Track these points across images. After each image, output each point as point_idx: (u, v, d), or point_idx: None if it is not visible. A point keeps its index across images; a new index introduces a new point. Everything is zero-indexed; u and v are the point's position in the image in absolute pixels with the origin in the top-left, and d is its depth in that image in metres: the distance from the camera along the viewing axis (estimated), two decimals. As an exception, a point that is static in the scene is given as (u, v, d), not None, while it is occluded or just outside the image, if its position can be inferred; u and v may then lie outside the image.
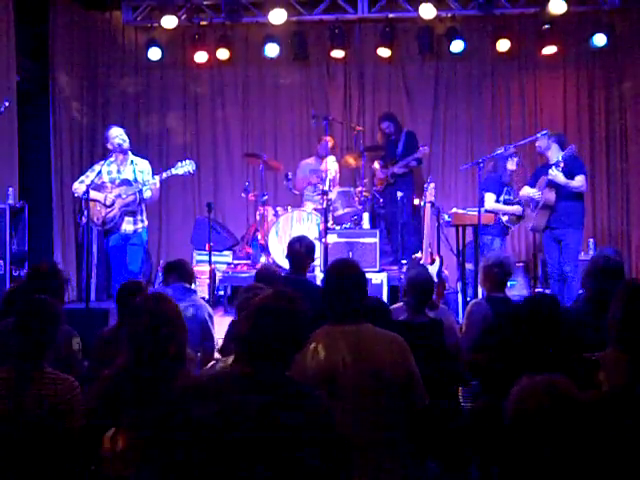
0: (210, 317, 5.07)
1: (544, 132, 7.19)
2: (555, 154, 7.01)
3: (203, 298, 7.82)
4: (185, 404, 2.37)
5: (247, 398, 2.29)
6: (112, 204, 6.82)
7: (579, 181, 6.95)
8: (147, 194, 6.89)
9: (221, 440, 2.25)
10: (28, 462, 2.88)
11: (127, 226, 6.91)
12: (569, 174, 6.91)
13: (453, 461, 3.89)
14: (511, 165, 7.44)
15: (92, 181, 6.77)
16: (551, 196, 6.95)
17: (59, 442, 2.89)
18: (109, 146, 7.00)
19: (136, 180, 6.90)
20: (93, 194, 6.77)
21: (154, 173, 7.00)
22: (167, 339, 2.86)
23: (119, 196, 6.82)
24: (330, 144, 8.91)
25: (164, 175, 6.91)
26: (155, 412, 2.56)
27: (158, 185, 6.95)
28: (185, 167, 6.92)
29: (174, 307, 2.99)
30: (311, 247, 5.45)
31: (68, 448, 2.87)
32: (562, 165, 6.86)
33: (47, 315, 3.15)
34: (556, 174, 6.85)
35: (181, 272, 5.20)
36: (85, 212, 6.76)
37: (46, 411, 2.91)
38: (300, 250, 5.36)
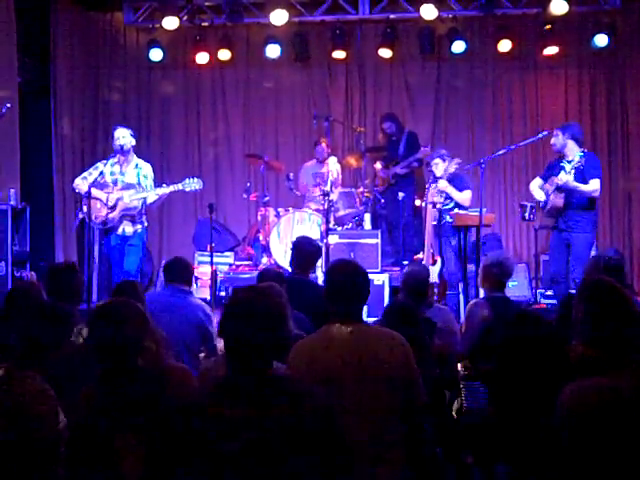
0: (207, 315, 4.87)
1: (545, 133, 7.07)
2: (572, 152, 6.62)
3: (204, 299, 7.83)
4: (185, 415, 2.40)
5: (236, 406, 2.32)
6: (114, 206, 6.80)
7: (592, 185, 6.46)
8: (152, 199, 6.89)
9: (217, 450, 2.29)
10: (7, 462, 2.86)
11: (127, 227, 6.89)
12: (581, 177, 6.49)
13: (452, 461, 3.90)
14: (436, 170, 7.24)
15: (95, 179, 6.77)
16: (559, 201, 6.51)
17: (41, 445, 2.86)
18: (113, 146, 7.01)
19: (139, 184, 6.89)
20: (95, 192, 6.77)
21: (156, 180, 7.01)
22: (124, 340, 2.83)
23: (121, 199, 6.80)
24: (323, 145, 8.86)
25: (172, 188, 6.89)
26: (156, 417, 2.58)
27: (166, 194, 6.94)
28: (193, 185, 6.91)
29: (128, 305, 2.96)
30: (320, 248, 5.48)
31: (50, 452, 2.84)
32: (580, 166, 6.45)
33: (53, 318, 3.14)
34: (566, 180, 6.36)
35: (173, 273, 5.00)
36: (84, 209, 6.76)
37: (31, 411, 2.88)
38: (310, 251, 5.36)
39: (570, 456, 1.85)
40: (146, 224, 7.07)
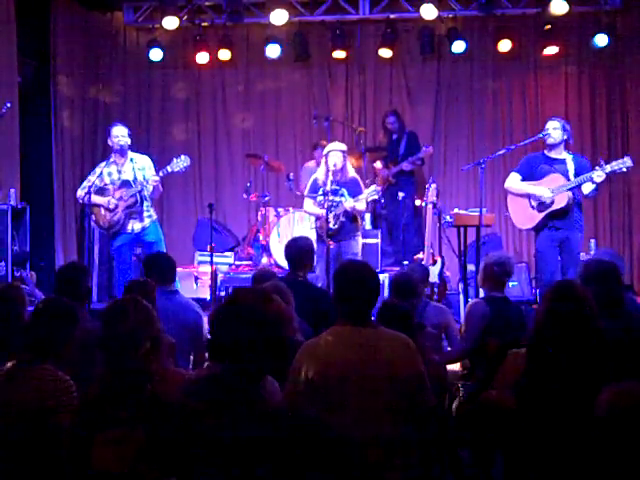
0: (197, 314, 4.77)
1: (545, 133, 6.99)
2: (561, 152, 6.50)
3: (204, 299, 7.81)
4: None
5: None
6: (115, 207, 6.79)
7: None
8: (149, 192, 6.87)
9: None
10: (14, 454, 2.89)
11: (134, 225, 6.88)
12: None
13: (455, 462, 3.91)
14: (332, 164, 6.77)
15: (93, 183, 6.74)
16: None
17: (48, 438, 2.89)
18: (109, 142, 6.96)
19: (135, 179, 6.86)
20: (96, 199, 6.75)
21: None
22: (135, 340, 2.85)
23: (121, 199, 6.80)
24: None
25: (160, 174, 6.84)
26: (147, 410, 2.60)
27: (159, 181, 6.86)
28: (180, 163, 6.81)
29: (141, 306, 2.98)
30: (309, 248, 5.41)
31: (57, 445, 2.87)
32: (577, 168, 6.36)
33: (58, 315, 3.16)
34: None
35: (158, 274, 4.74)
36: (92, 216, 6.78)
37: (38, 406, 2.92)
38: (297, 251, 5.34)
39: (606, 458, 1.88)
40: (154, 216, 7.03)
